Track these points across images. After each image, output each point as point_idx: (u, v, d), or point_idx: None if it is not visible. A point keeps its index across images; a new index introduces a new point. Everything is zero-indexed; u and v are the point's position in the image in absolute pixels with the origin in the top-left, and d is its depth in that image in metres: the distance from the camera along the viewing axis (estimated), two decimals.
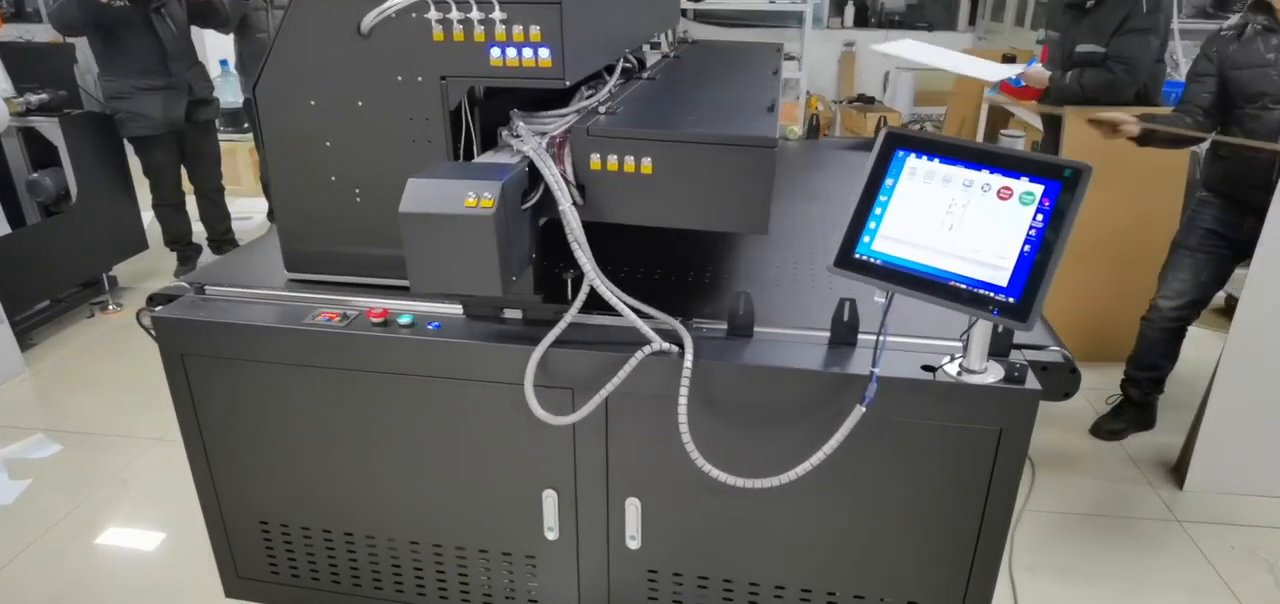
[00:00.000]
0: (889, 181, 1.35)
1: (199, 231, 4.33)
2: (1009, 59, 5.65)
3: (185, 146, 4.05)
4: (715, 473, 1.44)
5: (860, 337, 1.53)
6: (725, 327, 1.57)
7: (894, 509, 1.56)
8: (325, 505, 1.79)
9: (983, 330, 1.42)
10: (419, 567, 1.81)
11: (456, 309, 1.66)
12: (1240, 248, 2.71)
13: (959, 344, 1.49)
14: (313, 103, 1.61)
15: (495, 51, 1.52)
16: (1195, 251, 2.78)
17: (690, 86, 2.07)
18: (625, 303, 1.51)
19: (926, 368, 1.46)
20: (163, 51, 3.73)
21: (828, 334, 1.55)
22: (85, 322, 3.73)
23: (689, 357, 1.44)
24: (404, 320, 1.60)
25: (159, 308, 1.72)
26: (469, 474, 1.68)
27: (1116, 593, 2.28)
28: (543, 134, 1.55)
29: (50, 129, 3.59)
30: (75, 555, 2.29)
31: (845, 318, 1.52)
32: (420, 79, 1.57)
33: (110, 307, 3.83)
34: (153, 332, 1.75)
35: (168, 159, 3.99)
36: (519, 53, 1.52)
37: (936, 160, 1.32)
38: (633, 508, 1.63)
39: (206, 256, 4.41)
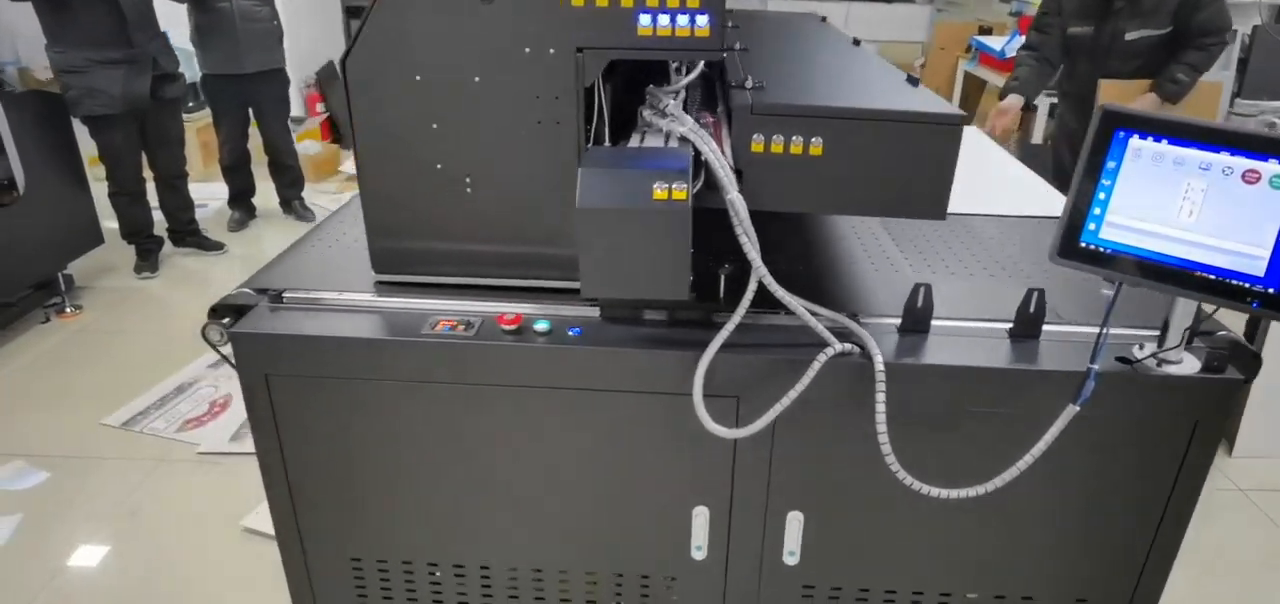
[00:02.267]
0: (1111, 164, 1.24)
1: (158, 222, 3.93)
2: (985, 31, 5.70)
3: (146, 127, 3.65)
4: (921, 487, 1.31)
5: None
6: (895, 321, 1.45)
7: (1070, 508, 1.47)
8: (433, 537, 1.59)
9: (1181, 319, 1.34)
10: (541, 596, 1.63)
11: (586, 312, 1.48)
12: None
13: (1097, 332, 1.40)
14: (418, 79, 1.39)
15: (644, 19, 1.34)
16: None
17: (788, 60, 1.92)
18: (798, 302, 1.36)
19: (1122, 360, 1.37)
20: (122, 19, 3.32)
21: (1000, 325, 1.45)
22: (40, 327, 3.31)
23: (879, 360, 1.31)
24: (541, 327, 1.41)
25: (225, 319, 1.48)
26: (607, 493, 1.51)
27: (1197, 568, 2.29)
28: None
29: None
30: (104, 601, 2.00)
31: (1031, 309, 1.42)
32: (552, 51, 1.37)
33: (67, 308, 3.42)
34: (221, 349, 1.50)
35: (128, 142, 3.58)
36: (672, 20, 1.34)
37: (1165, 141, 1.21)
38: (794, 522, 1.49)
39: (168, 249, 4.01)
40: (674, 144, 1.37)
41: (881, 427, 1.30)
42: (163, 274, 3.82)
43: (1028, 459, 1.31)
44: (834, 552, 1.53)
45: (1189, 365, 1.36)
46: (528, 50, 1.37)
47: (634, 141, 1.41)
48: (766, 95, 1.39)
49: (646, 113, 1.46)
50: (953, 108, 1.40)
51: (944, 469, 1.34)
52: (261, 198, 4.53)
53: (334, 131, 5.85)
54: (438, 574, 1.62)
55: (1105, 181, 1.24)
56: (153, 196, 3.84)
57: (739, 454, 1.45)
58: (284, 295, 1.51)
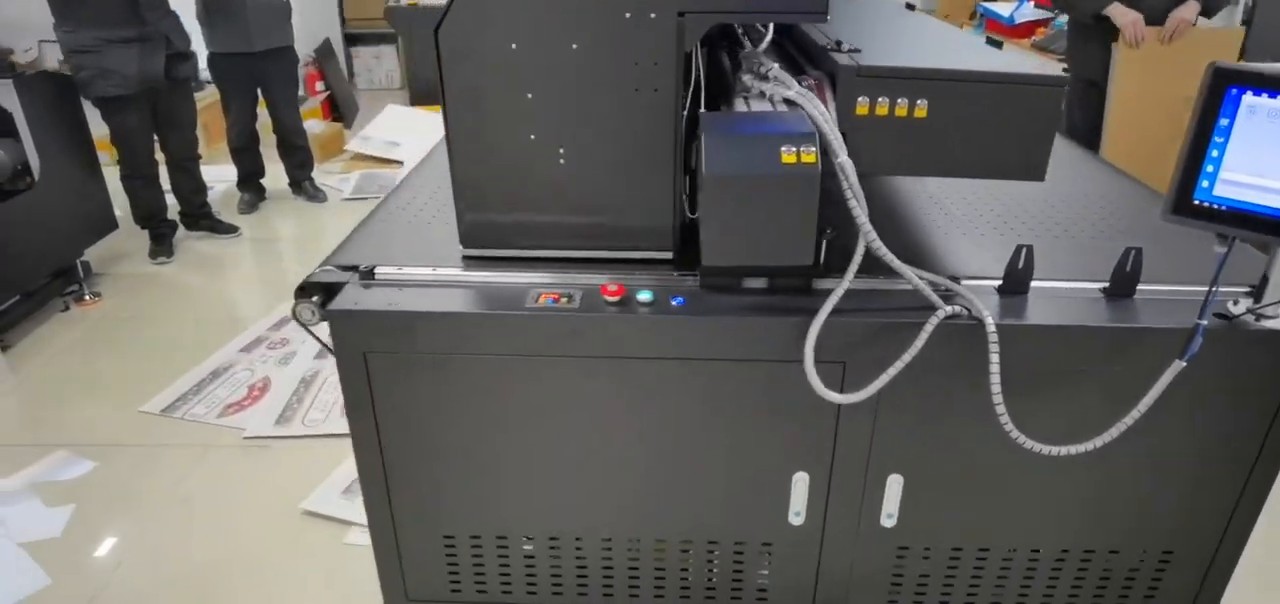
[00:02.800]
0: (1223, 121, 1.25)
1: (169, 206, 3.85)
2: None
3: (158, 109, 3.56)
4: (1036, 446, 1.33)
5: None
6: (995, 282, 1.45)
7: (1160, 461, 1.50)
8: (529, 510, 1.58)
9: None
10: (635, 565, 1.63)
11: (680, 282, 1.47)
12: None
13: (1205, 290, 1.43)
14: (513, 47, 1.37)
15: None
16: None
17: (859, 23, 1.91)
18: (908, 268, 1.36)
19: (1220, 315, 1.39)
20: None
21: (1092, 285, 1.46)
22: (60, 316, 3.24)
23: (991, 322, 1.31)
24: (644, 297, 1.40)
25: (314, 298, 1.46)
26: (706, 462, 1.51)
27: None
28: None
29: (4, 93, 3.05)
30: (172, 589, 1.97)
31: (1128, 268, 1.43)
32: (653, 15, 1.35)
33: (87, 296, 3.34)
34: (312, 328, 1.48)
35: (141, 123, 3.49)
36: None
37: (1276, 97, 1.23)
38: (894, 484, 1.50)
39: (180, 233, 3.93)
40: (779, 108, 1.37)
41: (996, 387, 1.31)
42: (178, 259, 3.75)
43: (1134, 414, 1.33)
44: (930, 512, 1.54)
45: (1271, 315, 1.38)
46: (628, 15, 1.35)
47: (739, 107, 1.40)
48: (869, 58, 1.38)
49: (746, 77, 1.45)
50: (1055, 69, 1.41)
51: (1043, 427, 1.35)
52: (269, 179, 4.45)
53: (334, 110, 5.75)
54: (532, 547, 1.61)
55: (1218, 139, 1.25)
56: (164, 180, 3.76)
57: (843, 419, 1.45)
58: (376, 272, 1.48)
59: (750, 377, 1.43)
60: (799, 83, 1.40)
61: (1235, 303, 1.41)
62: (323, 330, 1.45)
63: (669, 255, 1.53)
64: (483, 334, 1.40)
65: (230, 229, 4.04)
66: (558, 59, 1.38)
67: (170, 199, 3.84)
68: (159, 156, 3.70)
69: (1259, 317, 1.38)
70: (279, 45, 4.16)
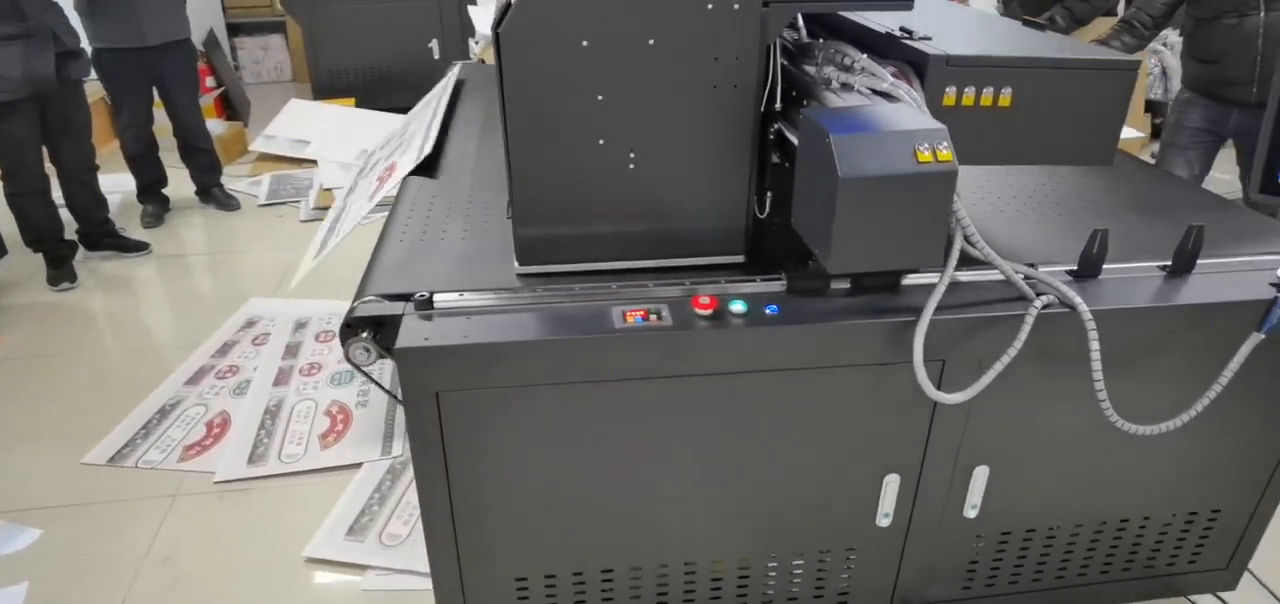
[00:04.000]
0: None
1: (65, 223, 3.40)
2: None
3: (48, 114, 3.12)
4: (1131, 428, 1.35)
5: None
6: (1069, 268, 1.46)
7: (1218, 428, 1.56)
8: (611, 541, 1.48)
9: None
10: (717, 587, 1.56)
11: (762, 288, 1.40)
12: (1222, 138, 3.02)
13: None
14: (584, 45, 1.25)
15: None
16: (1186, 149, 3.06)
17: (924, 14, 1.85)
18: (1006, 262, 1.34)
19: (1276, 285, 1.46)
20: None
21: (1151, 264, 1.50)
22: None
23: (1086, 311, 1.31)
24: (737, 308, 1.32)
25: (364, 334, 1.30)
26: (795, 474, 1.46)
27: None
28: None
29: None
30: None
31: (1190, 246, 1.47)
32: (737, 7, 1.26)
33: None
34: (369, 370, 1.32)
35: (29, 132, 3.05)
36: None
37: None
38: (980, 476, 1.50)
39: (81, 256, 3.49)
40: (873, 100, 1.31)
41: (1098, 374, 1.31)
42: (82, 284, 3.32)
43: (1217, 388, 1.38)
44: (1009, 499, 1.55)
45: None
46: (711, 6, 1.26)
47: (832, 101, 1.33)
48: (946, 46, 1.35)
49: (826, 69, 1.39)
50: (1124, 56, 1.42)
51: (1123, 407, 1.37)
52: (171, 187, 4.01)
53: (227, 108, 5.26)
54: (612, 580, 1.51)
55: None
56: (56, 195, 3.31)
57: (937, 417, 1.43)
58: (434, 300, 1.33)
59: (845, 382, 1.38)
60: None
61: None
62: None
63: (740, 259, 1.46)
64: (571, 360, 1.28)
65: (139, 246, 3.62)
66: (633, 57, 1.28)
67: (65, 215, 3.39)
68: (50, 169, 3.25)
69: None
70: (175, 37, 3.75)
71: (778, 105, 1.38)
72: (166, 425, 2.46)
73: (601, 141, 1.34)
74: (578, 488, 1.41)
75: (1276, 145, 1.33)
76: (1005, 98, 1.35)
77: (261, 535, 2.03)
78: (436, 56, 5.65)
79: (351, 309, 1.33)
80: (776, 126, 1.41)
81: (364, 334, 1.30)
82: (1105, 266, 1.48)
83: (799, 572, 1.56)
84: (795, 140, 1.38)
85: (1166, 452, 1.55)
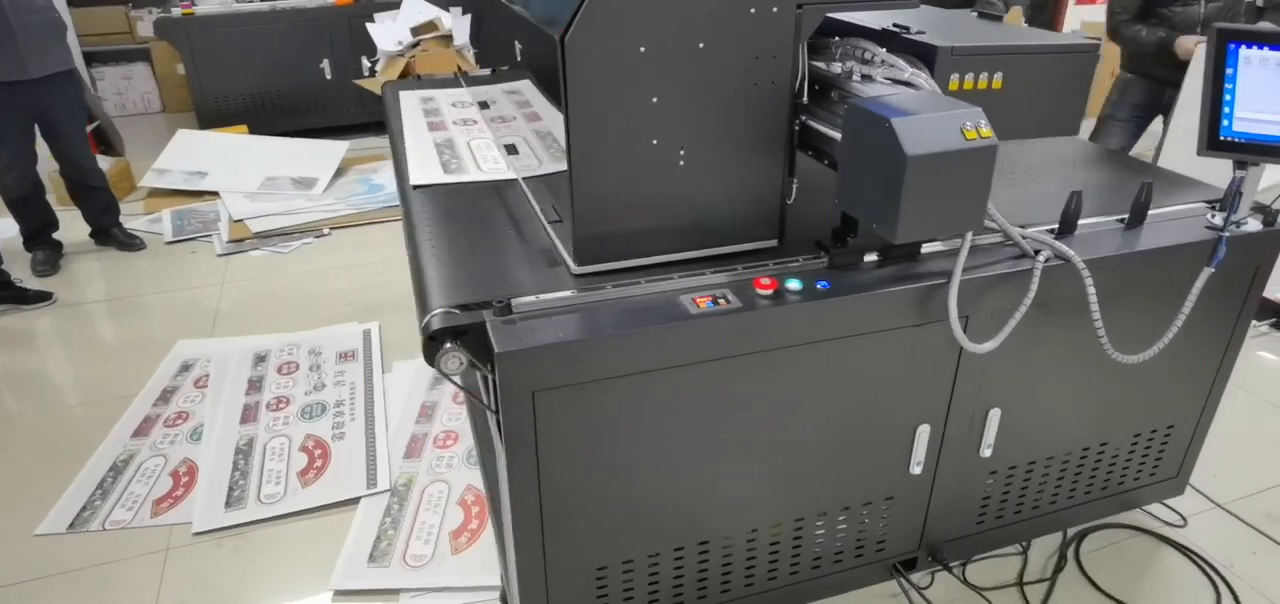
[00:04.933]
0: (1229, 71, 1.56)
1: None
2: None
3: None
4: (1125, 358, 1.57)
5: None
6: (1049, 227, 1.67)
7: (1170, 352, 1.79)
8: (682, 520, 1.55)
9: (1251, 186, 1.71)
10: (775, 550, 1.66)
11: (803, 265, 1.52)
12: (1155, 112, 3.47)
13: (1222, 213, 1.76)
14: (642, 50, 1.33)
15: None
16: (1125, 122, 3.50)
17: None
18: (1011, 225, 1.52)
19: (1210, 227, 1.72)
20: None
21: (1109, 219, 1.74)
22: None
23: (1080, 262, 1.51)
24: (793, 286, 1.43)
25: (447, 344, 1.31)
26: (844, 434, 1.58)
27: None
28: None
29: None
30: None
31: (1143, 199, 1.71)
32: (775, 9, 1.38)
33: None
34: (457, 378, 1.33)
35: None
36: None
37: (1265, 48, 1.55)
38: (994, 418, 1.68)
39: None
40: (897, 89, 1.46)
41: (1096, 314, 1.52)
42: None
43: (1181, 317, 1.62)
44: (1016, 436, 1.74)
45: (1253, 225, 1.74)
46: (753, 11, 1.37)
47: (867, 91, 1.46)
48: (946, 39, 1.52)
49: (847, 63, 1.52)
50: (1083, 38, 1.65)
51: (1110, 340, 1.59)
52: (62, 230, 3.67)
53: (102, 143, 4.84)
54: (683, 558, 1.58)
55: (1228, 86, 1.55)
56: None
57: (961, 367, 1.59)
58: (512, 304, 1.36)
59: (884, 345, 1.52)
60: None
61: (1213, 215, 1.75)
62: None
63: (774, 243, 1.57)
64: (655, 349, 1.35)
65: (41, 297, 3.30)
66: (684, 60, 1.36)
67: None
68: None
69: (1239, 224, 1.72)
70: (59, 69, 3.45)
71: (804, 99, 1.50)
72: (126, 482, 2.29)
73: (655, 142, 1.41)
74: (654, 472, 1.47)
75: (1216, 107, 1.58)
76: (997, 81, 1.55)
77: (273, 581, 1.95)
78: (328, 76, 5.46)
79: (427, 323, 1.33)
80: (801, 118, 1.54)
81: (448, 344, 1.30)
82: (1085, 222, 1.70)
83: (843, 525, 1.69)
84: (826, 130, 1.52)
85: (1136, 378, 1.80)
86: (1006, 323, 1.50)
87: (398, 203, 4.31)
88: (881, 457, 1.64)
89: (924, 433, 1.63)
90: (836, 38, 1.60)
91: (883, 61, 1.49)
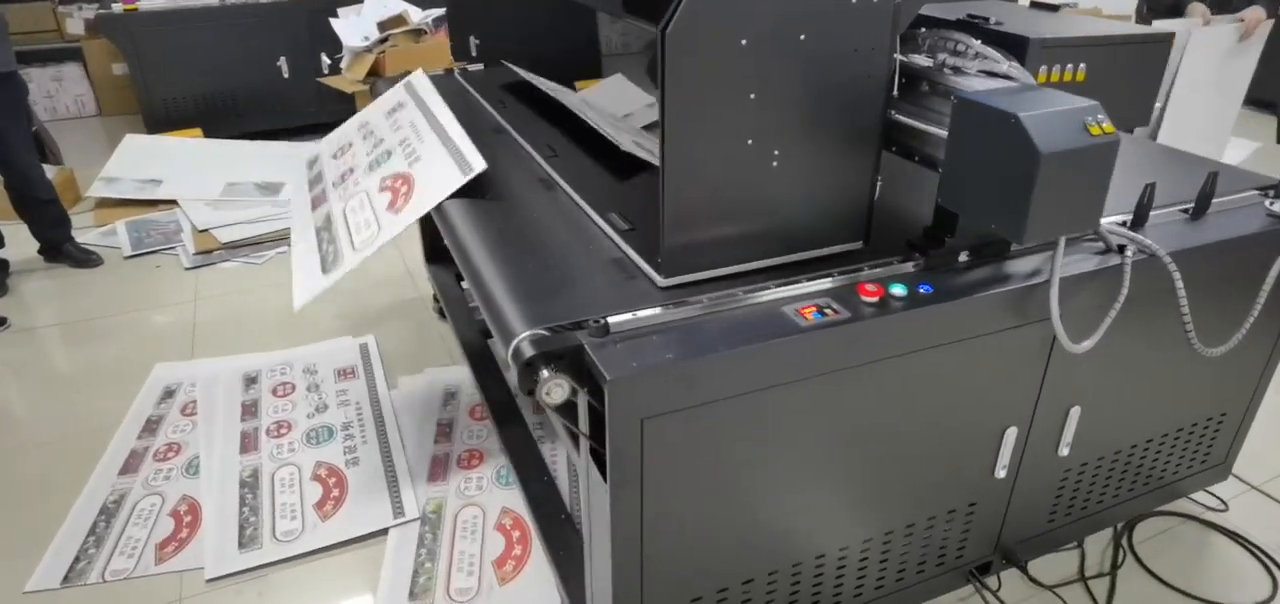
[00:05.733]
0: None
1: None
2: None
3: None
4: (1208, 351, 1.55)
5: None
6: (1121, 219, 1.64)
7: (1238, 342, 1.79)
8: (773, 546, 1.47)
9: None
10: (863, 567, 1.59)
11: (897, 269, 1.45)
12: None
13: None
14: (743, 43, 1.24)
15: None
16: None
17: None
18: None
19: (1273, 215, 1.72)
20: None
21: (1173, 208, 1.72)
22: None
23: (1166, 255, 1.49)
24: (898, 291, 1.36)
25: (546, 371, 1.20)
26: (935, 442, 1.53)
27: None
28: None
29: None
30: None
31: (1208, 189, 1.70)
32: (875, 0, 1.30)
33: None
34: (553, 406, 1.22)
35: None
36: None
37: None
38: (1073, 416, 1.65)
39: None
40: (995, 82, 1.40)
41: (1184, 307, 1.50)
42: None
43: (1258, 306, 1.61)
44: (1090, 432, 1.71)
45: None
46: (854, 0, 1.29)
47: (969, 84, 1.40)
48: (1039, 30, 1.48)
49: (941, 56, 1.46)
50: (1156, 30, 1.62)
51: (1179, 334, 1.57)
52: (9, 248, 3.37)
53: (40, 151, 4.48)
54: (775, 581, 1.50)
55: None
56: None
57: (1050, 368, 1.55)
58: (609, 327, 1.25)
59: (982, 347, 1.46)
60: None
61: (1271, 203, 1.75)
62: None
63: (859, 244, 1.50)
64: (765, 365, 1.26)
65: None
66: (785, 53, 1.28)
67: None
68: None
69: None
70: (2, 70, 3.16)
71: (895, 93, 1.43)
72: (121, 525, 2.09)
73: (750, 141, 1.32)
74: (755, 495, 1.39)
75: None
76: (1081, 73, 1.51)
77: None
78: (285, 75, 5.19)
79: (517, 349, 1.21)
80: (888, 113, 1.47)
81: (545, 372, 1.19)
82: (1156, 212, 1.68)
83: (928, 534, 1.64)
84: (915, 124, 1.46)
85: (1200, 368, 1.79)
86: (1099, 320, 1.46)
87: None
88: (968, 462, 1.59)
89: (1011, 436, 1.59)
90: (923, 29, 1.53)
91: (977, 53, 1.43)
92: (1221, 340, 1.59)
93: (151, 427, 2.48)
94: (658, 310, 1.30)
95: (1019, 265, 1.47)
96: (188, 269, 3.51)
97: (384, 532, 2.05)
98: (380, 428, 2.45)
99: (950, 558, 1.71)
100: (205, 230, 3.76)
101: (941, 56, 1.46)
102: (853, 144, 1.41)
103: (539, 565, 1.93)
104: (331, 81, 4.76)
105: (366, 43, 4.62)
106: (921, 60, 1.48)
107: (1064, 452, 1.69)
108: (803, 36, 1.28)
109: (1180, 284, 1.48)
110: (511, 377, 1.22)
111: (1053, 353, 1.53)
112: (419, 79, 2.37)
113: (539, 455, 2.19)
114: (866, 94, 1.37)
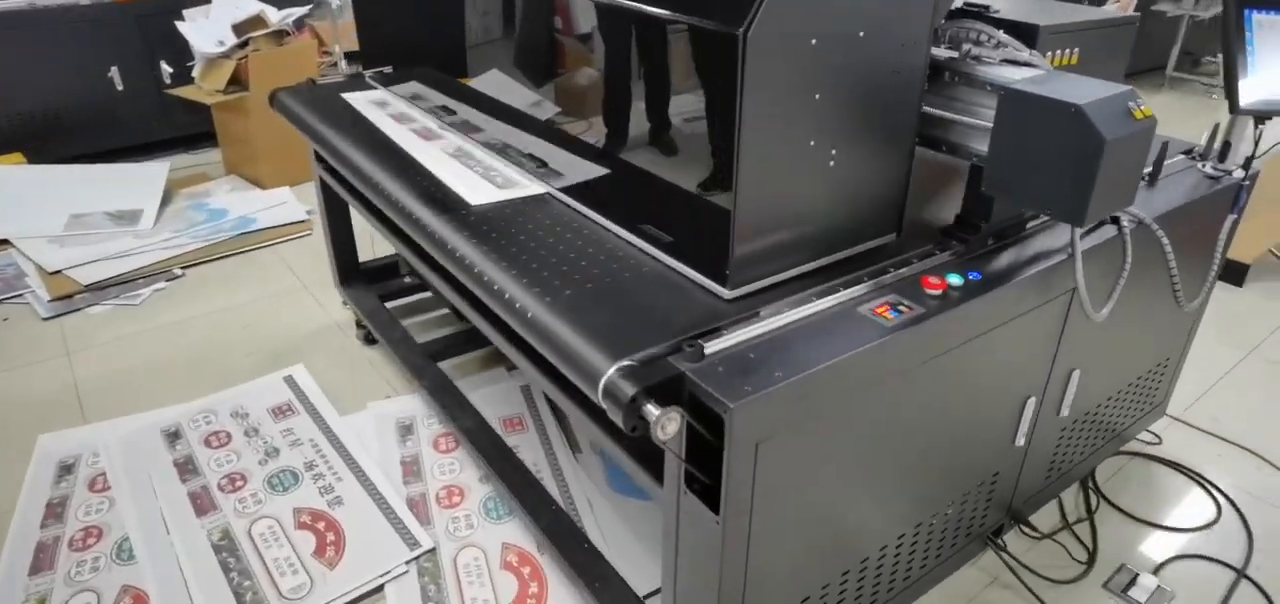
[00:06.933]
0: (1248, 35, 1.73)
1: None
2: None
3: None
4: (1189, 306, 1.70)
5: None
6: None
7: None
8: (849, 547, 1.47)
9: (1237, 139, 1.92)
10: (914, 547, 1.62)
11: (940, 259, 1.49)
12: None
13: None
14: (814, 42, 1.22)
15: None
16: None
17: None
18: None
19: (1210, 176, 1.91)
20: None
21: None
22: None
23: (1154, 224, 1.63)
24: (955, 281, 1.39)
25: (653, 406, 1.12)
26: (970, 424, 1.58)
27: None
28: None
29: None
30: None
31: (1161, 158, 1.86)
32: None
33: None
34: (667, 438, 1.14)
35: None
36: None
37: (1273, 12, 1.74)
38: (1074, 379, 1.76)
39: None
40: (1022, 70, 1.45)
41: (1173, 267, 1.64)
42: None
43: (1217, 261, 1.79)
44: (1085, 392, 1.84)
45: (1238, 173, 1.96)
46: None
47: (993, 73, 1.44)
48: (1039, 17, 1.56)
49: (965, 46, 1.49)
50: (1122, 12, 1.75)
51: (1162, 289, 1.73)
52: None
53: None
54: (846, 582, 1.50)
55: (1249, 51, 1.73)
56: None
57: (1064, 338, 1.65)
58: (705, 350, 1.19)
59: (1019, 325, 1.53)
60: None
61: (1205, 166, 1.95)
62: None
63: (893, 237, 1.52)
64: (863, 369, 1.25)
65: None
66: (847, 50, 1.27)
67: None
68: None
69: (1229, 173, 1.92)
70: None
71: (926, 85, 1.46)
72: None
73: (812, 142, 1.30)
74: (840, 501, 1.38)
75: (1231, 75, 1.74)
76: (1074, 57, 1.60)
77: None
78: (119, 87, 4.57)
79: (614, 388, 1.12)
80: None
81: (650, 406, 1.11)
82: None
83: (963, 506, 1.70)
84: (941, 113, 1.49)
85: (1161, 320, 1.97)
86: (1104, 287, 1.57)
87: (253, 229, 3.73)
88: (995, 436, 1.66)
89: (1031, 406, 1.68)
90: (943, 19, 1.57)
91: (999, 42, 1.48)
92: (1190, 295, 1.76)
93: (55, 511, 2.12)
94: (749, 328, 1.25)
95: (1036, 244, 1.55)
96: (46, 319, 3.01)
97: (381, 588, 1.86)
98: (348, 458, 2.23)
99: (976, 527, 1.79)
100: (58, 272, 3.25)
101: (966, 46, 1.50)
102: (893, 137, 1.42)
103: (562, 602, 1.83)
104: (184, 92, 4.27)
105: (222, 48, 4.18)
106: (944, 51, 1.51)
107: (1065, 412, 1.81)
108: (862, 33, 1.27)
109: (1168, 247, 1.62)
110: (615, 417, 1.12)
111: (1068, 322, 1.63)
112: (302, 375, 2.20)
113: (534, 482, 2.07)
114: (909, 87, 1.39)
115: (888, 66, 1.34)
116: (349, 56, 5.57)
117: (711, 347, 1.20)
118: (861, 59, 1.29)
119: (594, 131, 1.66)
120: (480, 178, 1.82)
